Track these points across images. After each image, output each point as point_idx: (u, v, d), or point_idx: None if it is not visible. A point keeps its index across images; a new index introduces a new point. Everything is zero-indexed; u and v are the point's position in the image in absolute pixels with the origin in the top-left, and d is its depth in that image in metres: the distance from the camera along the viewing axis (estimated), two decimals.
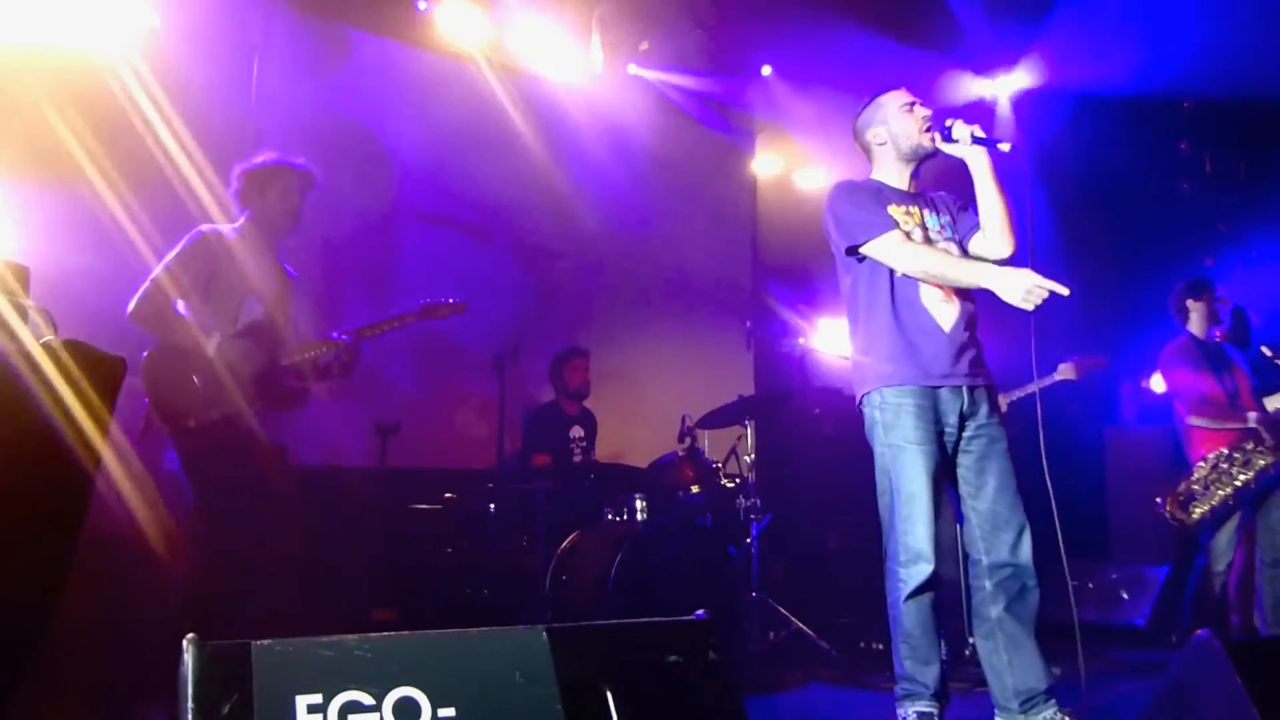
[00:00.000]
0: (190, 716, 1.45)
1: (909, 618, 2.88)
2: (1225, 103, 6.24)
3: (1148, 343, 4.99)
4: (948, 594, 3.76)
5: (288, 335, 3.64)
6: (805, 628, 4.60)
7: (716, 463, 5.07)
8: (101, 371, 1.85)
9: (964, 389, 2.98)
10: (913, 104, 3.12)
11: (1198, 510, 4.40)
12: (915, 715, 2.88)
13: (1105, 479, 6.65)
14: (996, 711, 2.94)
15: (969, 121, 3.03)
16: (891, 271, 3.01)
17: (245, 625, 2.26)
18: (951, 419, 2.97)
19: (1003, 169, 3.04)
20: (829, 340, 6.15)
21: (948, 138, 3.03)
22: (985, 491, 2.97)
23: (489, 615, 4.67)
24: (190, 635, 1.49)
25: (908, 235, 2.99)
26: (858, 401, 3.09)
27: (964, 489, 3.01)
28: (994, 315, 3.13)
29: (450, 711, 1.61)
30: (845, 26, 5.75)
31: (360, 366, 3.73)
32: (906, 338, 2.99)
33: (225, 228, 3.60)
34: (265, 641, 1.55)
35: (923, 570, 2.86)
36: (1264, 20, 5.57)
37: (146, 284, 3.40)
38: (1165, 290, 4.90)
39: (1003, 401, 4.03)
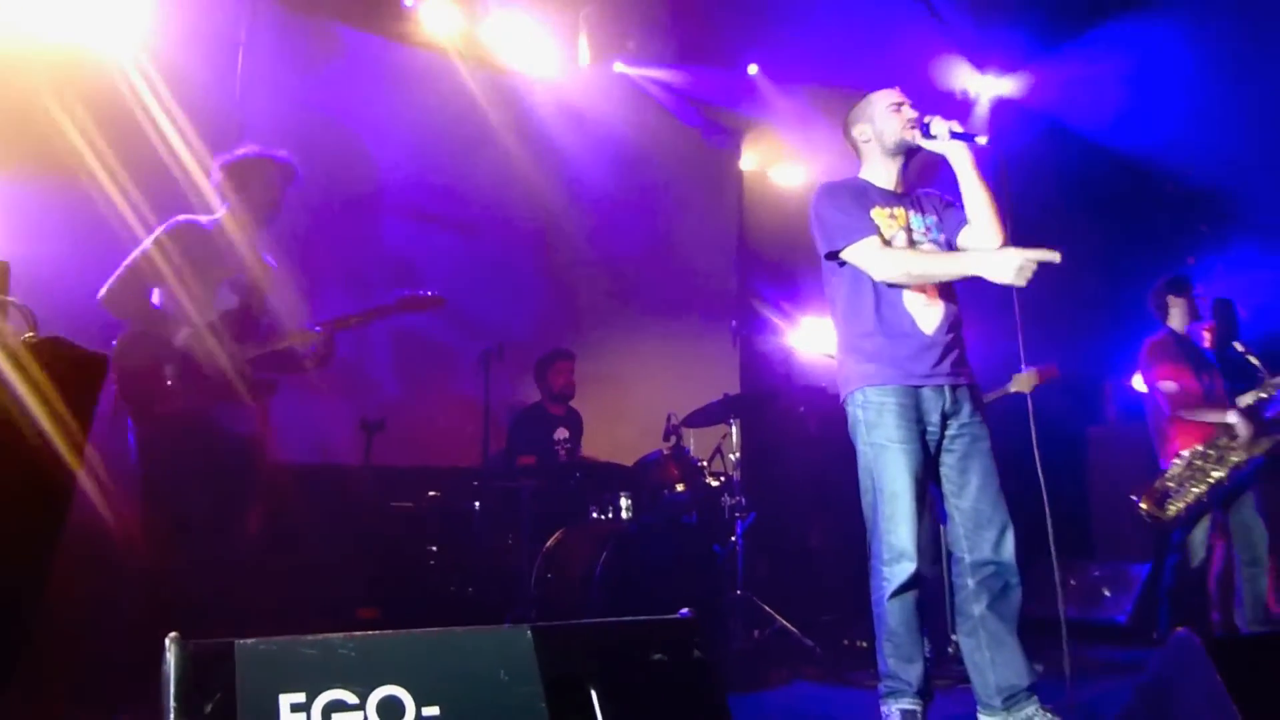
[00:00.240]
0: (172, 715, 1.44)
1: (893, 616, 2.89)
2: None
3: (1130, 341, 5.02)
4: (930, 592, 3.78)
5: (263, 326, 3.61)
6: (789, 625, 4.61)
7: (701, 461, 5.07)
8: (83, 369, 1.83)
9: (946, 388, 3.00)
10: (900, 104, 3.14)
11: (1173, 507, 4.43)
12: (899, 713, 2.90)
13: (1088, 477, 6.70)
14: (979, 708, 2.96)
15: (947, 117, 3.06)
16: None
17: (208, 622, 2.23)
18: (934, 418, 2.98)
19: (984, 165, 3.07)
20: (814, 339, 6.17)
21: (926, 134, 3.07)
22: (968, 490, 2.98)
23: (473, 614, 4.65)
24: (172, 634, 1.48)
25: (887, 242, 3.01)
26: (841, 400, 3.11)
27: (947, 488, 3.03)
28: (975, 317, 3.15)
29: (434, 710, 1.61)
30: (832, 23, 5.76)
31: (335, 359, 3.69)
32: (889, 339, 3.01)
33: (204, 219, 3.58)
34: (249, 640, 1.55)
35: (906, 569, 2.87)
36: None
37: (120, 270, 3.40)
38: (1146, 289, 4.93)
39: None
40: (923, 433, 2.98)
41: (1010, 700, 2.88)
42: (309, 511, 4.37)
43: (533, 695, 1.67)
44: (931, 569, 4.08)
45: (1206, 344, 4.90)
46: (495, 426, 5.31)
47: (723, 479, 5.06)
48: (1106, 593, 5.76)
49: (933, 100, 3.19)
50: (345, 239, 5.32)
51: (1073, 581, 5.84)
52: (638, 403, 6.03)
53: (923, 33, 6.18)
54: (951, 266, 2.96)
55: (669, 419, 4.96)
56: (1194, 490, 4.41)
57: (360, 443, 4.64)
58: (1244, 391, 4.54)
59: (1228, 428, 4.41)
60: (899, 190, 3.18)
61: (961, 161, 3.03)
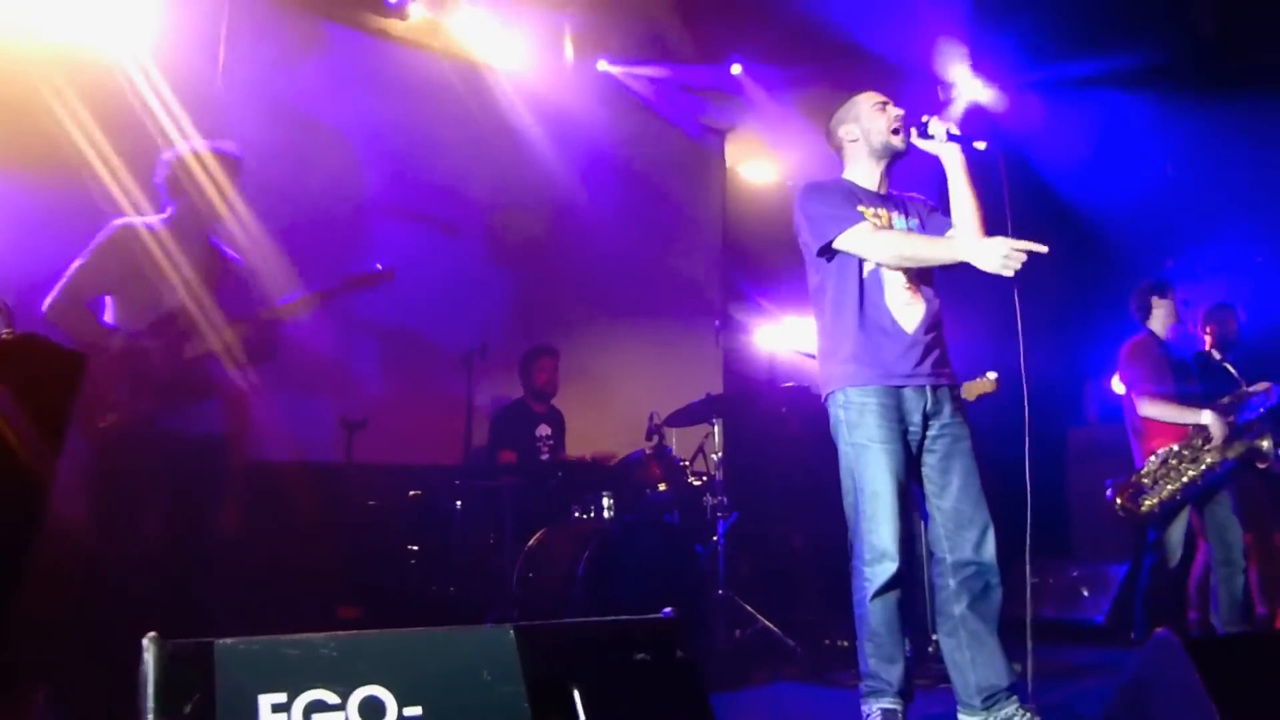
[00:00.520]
0: (151, 716, 1.43)
1: (874, 616, 2.90)
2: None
3: (1109, 343, 5.05)
4: (910, 591, 3.79)
5: (207, 324, 3.43)
6: (771, 625, 4.61)
7: (684, 461, 5.08)
8: (60, 366, 1.82)
9: (927, 389, 3.01)
10: (885, 104, 3.15)
11: (1147, 503, 4.47)
12: (880, 712, 2.91)
13: (1067, 478, 6.74)
14: (959, 708, 2.97)
15: (944, 119, 3.07)
16: (860, 272, 3.04)
17: (187, 622, 2.20)
18: (915, 418, 3.00)
19: (977, 169, 3.08)
20: (796, 338, 6.18)
21: (924, 133, 3.07)
22: (949, 490, 2.99)
23: (455, 613, 4.63)
24: (151, 634, 1.47)
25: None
26: (823, 400, 3.11)
27: (928, 488, 3.04)
28: (956, 317, 3.16)
29: (417, 710, 1.60)
30: (817, 23, 5.77)
31: (276, 349, 3.54)
32: (871, 338, 3.01)
33: (151, 219, 3.47)
34: (228, 640, 1.53)
35: (888, 569, 2.88)
36: None
37: (61, 281, 3.30)
38: (1127, 291, 4.96)
39: None
40: (904, 433, 2.99)
41: (990, 700, 2.90)
42: (289, 510, 4.35)
43: (515, 695, 1.67)
44: (912, 569, 4.10)
45: (1207, 346, 4.94)
46: (477, 426, 5.30)
47: (705, 478, 5.06)
48: (1085, 593, 5.80)
49: (913, 103, 3.18)
50: (326, 234, 5.28)
51: (1051, 581, 5.88)
52: (621, 402, 6.03)
53: (912, 31, 6.20)
54: (942, 251, 2.98)
55: (651, 418, 4.96)
56: (1168, 488, 4.45)
57: (341, 441, 4.62)
58: (1219, 397, 4.59)
59: (1201, 429, 4.45)
60: (882, 191, 3.19)
61: (954, 164, 3.05)
